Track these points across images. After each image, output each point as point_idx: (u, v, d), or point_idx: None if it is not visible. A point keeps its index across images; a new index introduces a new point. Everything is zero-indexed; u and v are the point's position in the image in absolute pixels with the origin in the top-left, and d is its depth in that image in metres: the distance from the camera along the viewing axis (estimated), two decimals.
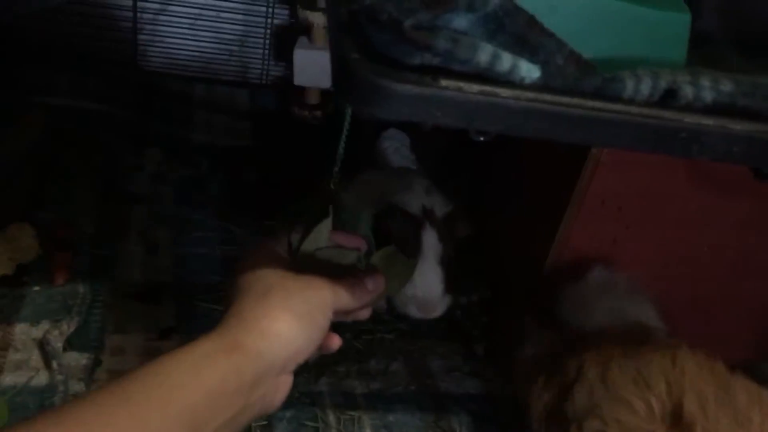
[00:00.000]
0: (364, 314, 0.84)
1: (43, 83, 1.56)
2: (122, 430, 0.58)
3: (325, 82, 1.47)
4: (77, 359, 1.07)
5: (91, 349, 1.09)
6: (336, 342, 0.80)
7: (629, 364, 0.91)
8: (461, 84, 0.57)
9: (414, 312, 1.17)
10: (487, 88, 0.58)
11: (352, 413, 1.09)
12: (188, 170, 1.54)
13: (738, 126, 0.62)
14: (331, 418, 1.07)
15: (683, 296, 1.17)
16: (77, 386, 1.03)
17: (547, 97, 0.59)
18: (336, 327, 0.75)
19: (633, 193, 1.08)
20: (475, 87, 0.58)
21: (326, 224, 0.84)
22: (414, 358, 1.22)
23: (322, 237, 0.84)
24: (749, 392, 0.87)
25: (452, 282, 1.19)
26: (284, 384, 0.72)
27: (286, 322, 0.69)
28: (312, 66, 1.48)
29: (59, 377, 1.02)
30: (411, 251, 1.14)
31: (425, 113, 0.57)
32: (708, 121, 0.62)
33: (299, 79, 1.50)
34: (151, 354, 1.11)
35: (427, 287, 1.16)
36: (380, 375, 1.17)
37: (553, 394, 0.97)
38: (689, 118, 0.62)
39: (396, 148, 1.64)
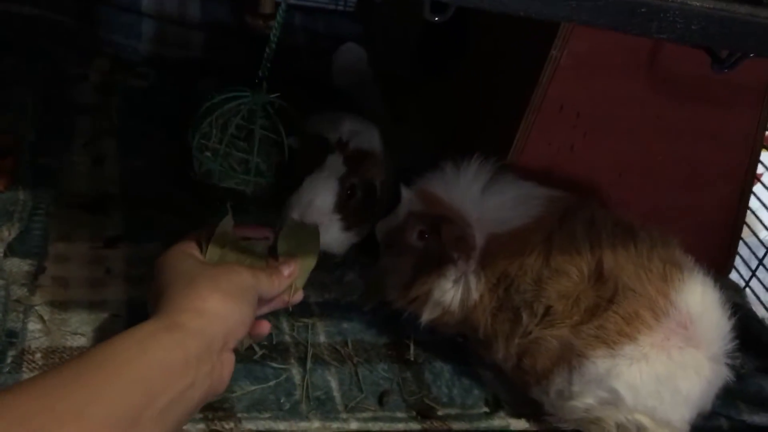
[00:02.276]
0: (297, 298, 0.95)
1: None
2: (77, 401, 0.62)
3: None
4: (19, 265, 1.03)
5: (33, 255, 1.05)
6: (266, 327, 0.91)
7: (561, 241, 0.95)
8: None
9: (294, 215, 1.07)
10: None
11: (306, 320, 1.08)
12: (135, 81, 1.48)
13: (698, 3, 0.60)
14: (285, 324, 1.06)
15: (640, 206, 1.16)
16: (20, 291, 0.99)
17: None
18: None
19: (592, 99, 1.07)
20: None
21: (227, 221, 0.92)
22: (369, 270, 1.21)
23: (227, 234, 0.92)
24: (652, 244, 0.95)
25: (354, 218, 1.11)
26: (228, 361, 0.78)
27: (218, 300, 0.77)
28: None
29: (0, 282, 0.98)
30: (310, 168, 1.10)
31: None
32: None
33: None
34: (96, 262, 1.09)
35: (311, 190, 1.07)
36: (335, 285, 1.16)
37: (496, 295, 0.98)
38: None
39: (352, 63, 1.59)
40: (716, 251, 1.27)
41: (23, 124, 1.27)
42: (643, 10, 0.59)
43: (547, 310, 0.94)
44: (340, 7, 1.80)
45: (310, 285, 1.13)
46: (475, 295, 0.98)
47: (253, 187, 1.17)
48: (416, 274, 1.00)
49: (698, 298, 0.93)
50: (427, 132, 1.36)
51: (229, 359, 0.78)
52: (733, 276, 1.34)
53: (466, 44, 1.35)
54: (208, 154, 1.15)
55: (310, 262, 0.97)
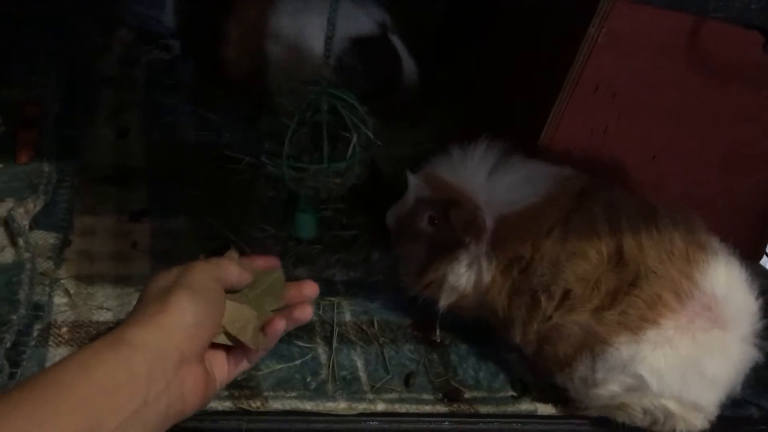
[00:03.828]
0: (304, 315, 0.85)
1: None
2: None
3: None
4: (45, 238, 1.03)
5: (59, 228, 1.05)
6: (280, 325, 0.81)
7: (578, 223, 0.93)
8: None
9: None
10: None
11: (332, 299, 1.07)
12: (159, 53, 1.47)
13: None
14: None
15: (672, 190, 1.14)
16: (45, 264, 0.99)
17: None
18: None
19: (628, 80, 1.04)
20: None
21: (230, 253, 0.85)
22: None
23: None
24: (675, 221, 0.93)
25: None
26: (192, 374, 0.71)
27: (167, 312, 0.70)
28: None
29: (26, 255, 0.98)
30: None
31: None
32: None
33: None
34: (122, 236, 1.08)
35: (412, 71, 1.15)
36: (360, 264, 1.14)
37: (510, 277, 0.96)
38: None
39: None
40: (748, 236, 1.25)
41: (47, 96, 1.27)
42: None
43: (566, 293, 0.92)
44: None
45: (336, 264, 1.13)
46: (487, 278, 0.96)
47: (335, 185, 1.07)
48: (429, 260, 0.99)
49: (723, 279, 0.90)
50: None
51: (195, 373, 0.72)
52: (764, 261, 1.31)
53: (493, 20, 1.32)
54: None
55: (268, 304, 0.85)
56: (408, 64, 1.30)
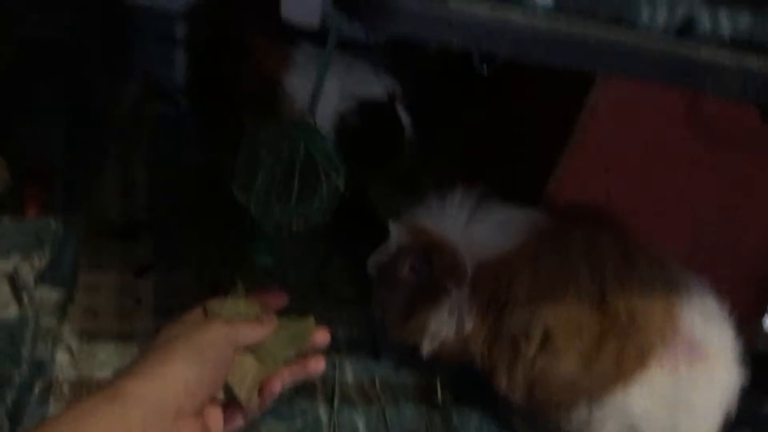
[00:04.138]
0: (316, 365, 0.83)
1: (16, 12, 1.48)
2: None
3: (314, 19, 1.41)
4: (49, 294, 1.03)
5: (64, 284, 1.05)
6: (276, 386, 0.80)
7: (553, 265, 0.94)
8: (472, 3, 0.54)
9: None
10: (499, 8, 0.54)
11: (334, 357, 1.07)
12: (167, 108, 1.49)
13: (755, 62, 0.60)
14: None
15: (679, 250, 1.15)
16: (49, 321, 0.99)
17: (561, 20, 0.56)
18: None
19: (629, 144, 1.06)
20: (486, 6, 0.54)
21: (238, 291, 0.84)
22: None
23: (237, 297, 0.84)
24: (653, 267, 0.94)
25: None
26: (189, 429, 0.69)
27: (168, 363, 0.69)
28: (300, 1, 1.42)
29: (30, 311, 0.98)
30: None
31: (433, 32, 0.54)
32: (725, 56, 0.59)
33: (287, 12, 1.43)
34: (126, 292, 1.09)
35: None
36: (362, 320, 1.15)
37: (487, 323, 0.96)
38: (706, 52, 0.59)
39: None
40: (750, 297, 1.25)
41: (55, 150, 1.28)
42: (699, 68, 0.59)
43: (546, 336, 0.92)
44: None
45: (338, 320, 1.13)
46: (468, 325, 0.96)
47: (297, 222, 1.08)
48: (411, 307, 0.99)
49: (702, 319, 0.92)
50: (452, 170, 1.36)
51: (192, 428, 0.70)
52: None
53: (499, 82, 1.34)
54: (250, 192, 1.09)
55: (287, 352, 0.84)
56: (409, 134, 1.33)
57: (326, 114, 1.24)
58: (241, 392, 0.77)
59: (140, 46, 1.56)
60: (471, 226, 0.98)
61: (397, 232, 1.00)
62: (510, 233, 0.97)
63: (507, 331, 0.94)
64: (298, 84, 1.30)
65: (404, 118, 1.31)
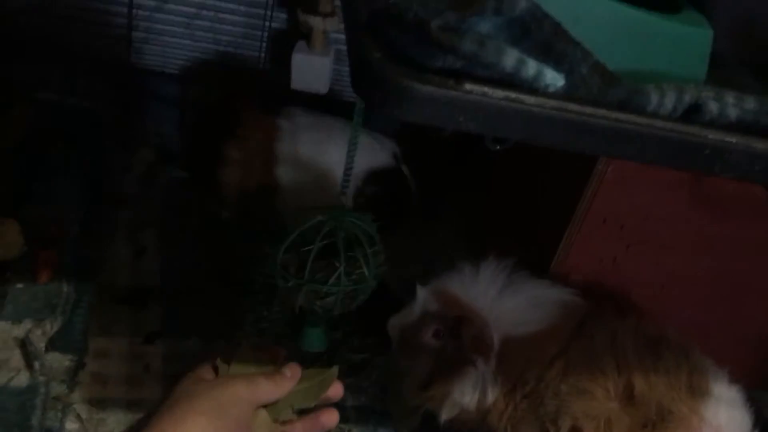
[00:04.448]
0: (329, 419, 0.82)
1: (33, 78, 1.52)
2: None
3: (323, 87, 1.45)
4: (60, 360, 1.03)
5: (74, 350, 1.06)
6: (334, 417, 0.81)
7: (580, 354, 0.94)
8: (486, 89, 0.56)
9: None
10: (512, 95, 0.56)
11: (343, 426, 1.06)
12: (179, 172, 1.51)
13: (761, 145, 0.61)
14: None
15: (682, 319, 1.15)
16: (59, 388, 1.00)
17: (572, 106, 0.57)
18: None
19: (636, 213, 1.07)
20: (500, 92, 0.56)
21: (246, 349, 0.85)
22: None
23: (246, 355, 0.84)
24: (678, 353, 0.95)
25: None
26: None
27: (191, 421, 0.70)
28: (310, 71, 1.46)
29: (41, 378, 0.98)
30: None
31: (448, 117, 0.56)
32: (732, 139, 0.61)
33: (296, 84, 1.47)
34: (136, 359, 1.09)
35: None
36: (371, 388, 1.14)
37: (513, 402, 0.96)
38: (713, 135, 0.60)
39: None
40: (758, 365, 1.25)
41: (68, 215, 1.30)
42: (707, 151, 0.60)
43: (575, 429, 0.91)
44: None
45: (347, 388, 1.12)
46: (490, 398, 0.96)
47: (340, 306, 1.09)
48: (433, 374, 0.99)
49: (724, 406, 0.92)
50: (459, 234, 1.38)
51: None
52: None
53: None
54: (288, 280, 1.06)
55: (309, 396, 0.84)
56: (414, 190, 1.36)
57: (334, 177, 1.27)
58: None
59: (152, 109, 1.59)
60: (501, 299, 0.99)
61: (423, 297, 1.01)
62: (538, 313, 0.98)
63: (534, 416, 0.94)
64: (300, 153, 1.33)
65: (409, 178, 1.35)
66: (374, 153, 1.31)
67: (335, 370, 0.85)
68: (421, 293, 1.01)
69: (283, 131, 1.35)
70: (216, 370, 0.82)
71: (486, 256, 1.03)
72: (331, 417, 0.83)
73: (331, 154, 1.30)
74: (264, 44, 1.72)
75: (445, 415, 0.99)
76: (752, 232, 1.11)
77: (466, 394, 0.97)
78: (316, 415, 0.82)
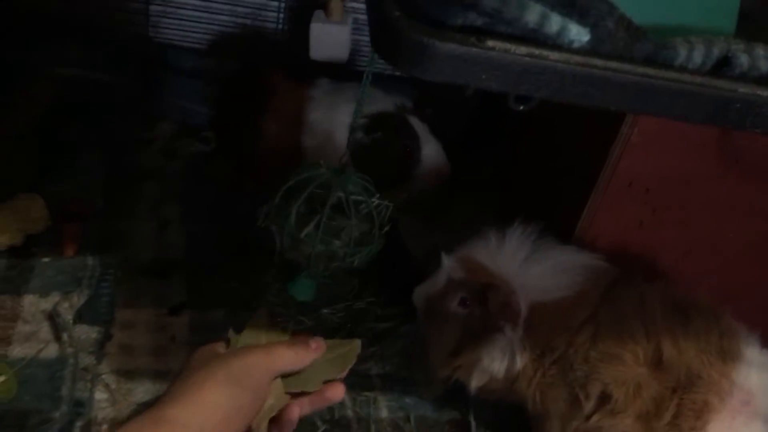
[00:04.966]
0: (335, 393, 0.83)
1: (53, 54, 1.52)
2: None
3: (342, 55, 1.43)
4: (87, 332, 1.05)
5: (101, 322, 1.07)
6: (294, 413, 0.80)
7: (609, 320, 0.93)
8: (508, 45, 0.54)
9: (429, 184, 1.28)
10: (536, 51, 0.55)
11: (368, 394, 1.07)
12: (199, 146, 1.51)
13: None
14: (347, 398, 1.05)
15: (707, 283, 1.13)
16: (88, 359, 1.01)
17: (598, 61, 0.56)
18: None
19: (661, 176, 1.05)
20: (523, 49, 0.55)
21: (260, 315, 0.87)
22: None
23: (260, 324, 0.86)
24: (708, 317, 0.94)
25: None
26: None
27: (208, 391, 0.71)
28: (329, 40, 1.45)
29: (69, 350, 1.00)
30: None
31: (470, 75, 0.55)
32: (764, 92, 0.59)
33: (315, 54, 1.46)
34: (161, 330, 1.10)
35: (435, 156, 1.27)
36: (395, 356, 1.14)
37: (542, 368, 0.96)
38: (744, 88, 0.59)
39: None
40: None
41: (92, 190, 1.31)
42: (738, 105, 0.59)
43: (604, 395, 0.91)
44: (397, 72, 1.83)
45: (372, 357, 1.13)
46: (518, 365, 0.96)
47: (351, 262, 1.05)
48: (461, 342, 0.98)
49: (755, 370, 0.91)
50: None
51: None
52: None
53: (530, 116, 1.35)
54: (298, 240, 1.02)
55: (334, 369, 0.85)
56: (430, 146, 1.32)
57: (343, 137, 1.26)
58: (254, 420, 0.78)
59: (172, 83, 1.59)
60: (528, 266, 0.98)
61: (449, 265, 1.00)
62: (566, 279, 0.97)
63: (563, 381, 0.94)
64: (317, 118, 1.33)
65: (419, 128, 1.31)
66: (373, 99, 1.28)
67: (358, 343, 0.86)
68: (447, 261, 1.01)
69: (313, 101, 1.34)
70: (228, 342, 0.84)
71: (512, 223, 1.02)
72: (337, 391, 0.83)
73: (341, 116, 1.29)
74: (281, 15, 1.71)
75: (474, 384, 0.99)
76: None
77: (495, 361, 0.97)
78: (322, 389, 0.83)
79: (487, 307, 0.96)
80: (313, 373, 0.82)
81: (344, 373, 0.84)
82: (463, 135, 1.59)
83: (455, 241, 1.08)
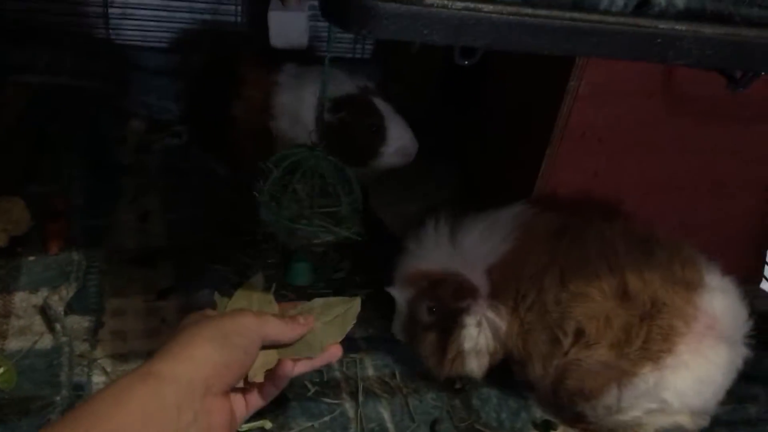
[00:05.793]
0: (333, 355, 0.87)
1: (21, 61, 1.55)
2: None
3: (302, 42, 1.48)
4: (79, 322, 1.09)
5: (91, 312, 1.11)
6: (288, 367, 0.83)
7: (574, 262, 0.99)
8: (446, 1, 0.60)
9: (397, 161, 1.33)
10: (471, 4, 0.60)
11: (354, 356, 1.12)
12: (171, 140, 1.55)
13: (710, 30, 0.65)
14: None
15: (666, 222, 1.20)
16: (82, 346, 1.05)
17: (528, 9, 0.61)
18: None
19: (612, 125, 1.11)
20: (459, 3, 0.60)
21: (256, 280, 0.89)
22: None
23: (251, 289, 0.90)
24: (669, 249, 1.00)
25: None
26: (218, 408, 0.73)
27: (197, 346, 0.74)
28: (287, 27, 1.49)
29: (64, 339, 1.04)
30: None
31: (413, 31, 0.60)
32: (681, 27, 0.65)
33: (276, 42, 1.50)
34: (151, 314, 1.14)
35: (401, 134, 1.32)
36: (378, 320, 1.20)
37: (518, 317, 1.01)
38: (663, 24, 0.64)
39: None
40: (745, 262, 1.30)
41: (72, 188, 1.35)
42: (659, 40, 0.64)
43: (579, 330, 0.97)
44: (358, 55, 1.88)
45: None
46: (502, 325, 1.01)
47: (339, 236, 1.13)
48: (442, 341, 1.04)
49: (718, 296, 0.98)
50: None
51: (219, 406, 0.74)
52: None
53: (485, 82, 1.41)
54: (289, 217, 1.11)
55: (336, 331, 0.88)
56: (395, 124, 1.37)
57: (310, 118, 1.31)
58: (255, 376, 0.81)
59: (141, 81, 1.62)
60: (458, 244, 1.04)
61: (397, 294, 1.06)
62: (499, 234, 1.03)
63: (541, 324, 0.99)
64: (284, 102, 1.37)
65: (384, 109, 1.36)
66: (338, 84, 1.33)
67: (358, 301, 0.89)
68: (394, 292, 1.06)
69: (280, 86, 1.39)
70: (215, 306, 0.88)
71: (476, 190, 1.07)
72: (335, 353, 0.87)
73: (308, 97, 1.33)
74: (239, 8, 1.76)
75: (478, 370, 1.05)
76: (725, 132, 1.16)
77: (476, 338, 1.02)
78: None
79: (445, 301, 1.02)
80: (314, 339, 0.85)
81: (345, 334, 0.87)
82: (425, 109, 1.64)
83: (426, 208, 1.14)
